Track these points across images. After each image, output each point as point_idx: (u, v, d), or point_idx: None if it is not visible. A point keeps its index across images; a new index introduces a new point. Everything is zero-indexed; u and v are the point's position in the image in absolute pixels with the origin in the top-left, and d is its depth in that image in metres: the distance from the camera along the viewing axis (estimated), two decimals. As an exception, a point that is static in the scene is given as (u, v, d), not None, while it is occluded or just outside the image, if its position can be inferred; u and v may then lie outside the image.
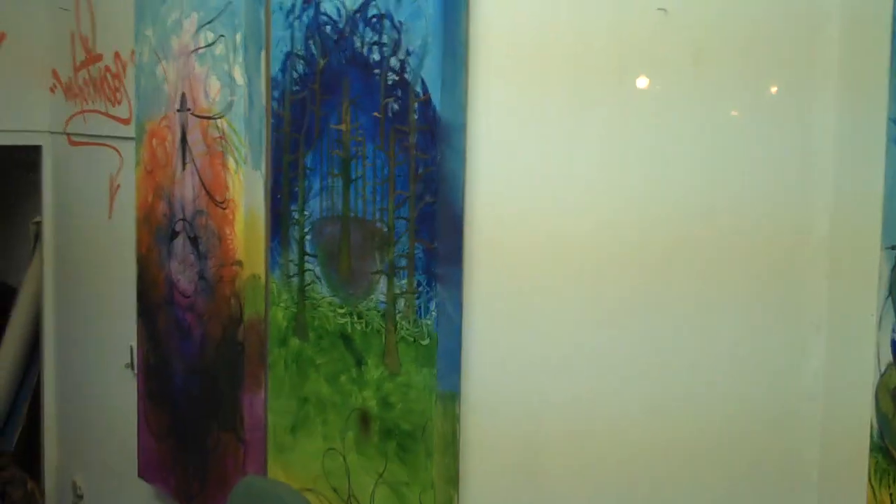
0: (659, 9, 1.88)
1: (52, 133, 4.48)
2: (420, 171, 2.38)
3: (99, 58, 4.01)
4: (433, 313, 2.38)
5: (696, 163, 1.92)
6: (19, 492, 4.66)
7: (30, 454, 4.90)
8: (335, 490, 2.70)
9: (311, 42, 2.70)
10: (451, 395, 2.40)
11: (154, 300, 3.51)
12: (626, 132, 2.03)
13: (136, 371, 3.69)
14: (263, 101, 2.95)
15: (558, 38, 2.14)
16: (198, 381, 3.28)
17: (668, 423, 1.99)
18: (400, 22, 2.41)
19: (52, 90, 4.45)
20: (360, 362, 2.61)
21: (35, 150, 4.56)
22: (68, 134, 4.33)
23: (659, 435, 2.01)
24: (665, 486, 2.02)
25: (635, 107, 2.01)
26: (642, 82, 2.00)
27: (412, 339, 2.44)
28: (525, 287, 2.25)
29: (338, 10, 2.59)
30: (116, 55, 3.86)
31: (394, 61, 2.43)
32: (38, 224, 4.67)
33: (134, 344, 3.70)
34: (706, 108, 1.90)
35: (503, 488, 2.34)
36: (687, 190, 1.93)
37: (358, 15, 2.53)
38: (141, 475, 3.64)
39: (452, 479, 2.41)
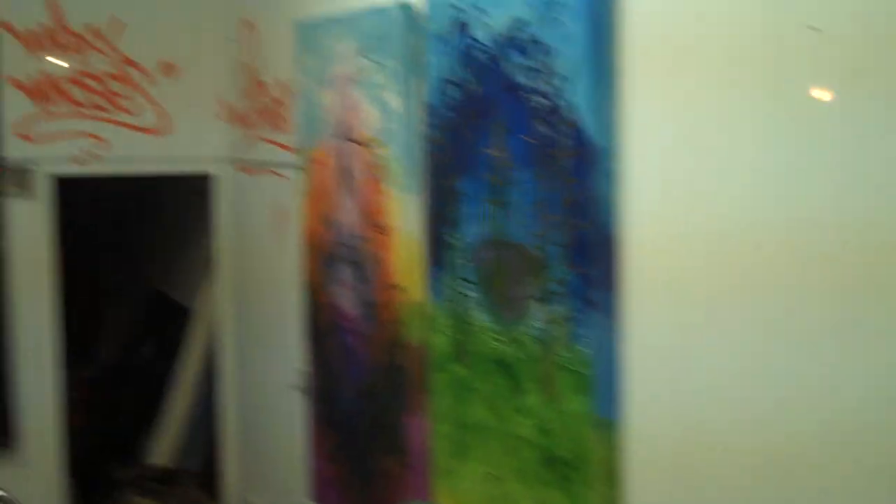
0: (810, 27, 1.81)
1: (223, 161, 4.60)
2: (572, 195, 2.35)
3: (265, 87, 4.11)
4: (589, 339, 2.35)
5: (859, 177, 1.83)
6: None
7: (210, 472, 5.04)
8: (497, 517, 2.69)
9: (464, 68, 2.70)
10: (610, 423, 2.36)
11: (320, 324, 3.57)
12: (783, 147, 1.96)
13: (305, 394, 3.76)
14: (420, 128, 2.97)
15: (710, 56, 2.08)
16: (363, 405, 3.32)
17: (844, 452, 1.91)
18: (550, 46, 2.39)
19: (222, 119, 4.58)
20: (518, 388, 2.59)
21: (207, 178, 4.70)
22: (237, 161, 4.45)
23: (835, 464, 1.92)
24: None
25: (791, 121, 1.94)
26: (798, 96, 1.92)
27: (569, 366, 2.41)
28: (684, 310, 2.19)
29: (489, 36, 2.59)
30: (281, 84, 3.95)
31: (544, 86, 2.41)
32: (211, 249, 4.80)
33: (303, 366, 3.77)
34: (865, 122, 1.81)
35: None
36: (854, 205, 1.84)
37: (509, 40, 2.52)
38: (313, 497, 3.70)
39: (613, 507, 2.37)
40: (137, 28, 4.49)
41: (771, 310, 2.01)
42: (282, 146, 3.98)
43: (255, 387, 4.48)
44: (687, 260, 2.18)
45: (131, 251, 6.71)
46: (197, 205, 5.08)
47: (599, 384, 2.35)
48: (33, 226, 4.41)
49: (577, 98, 2.31)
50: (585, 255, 2.34)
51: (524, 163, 2.49)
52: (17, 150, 4.34)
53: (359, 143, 3.22)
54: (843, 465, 1.90)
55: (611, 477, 2.37)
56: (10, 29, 4.30)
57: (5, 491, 3.81)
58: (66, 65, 4.40)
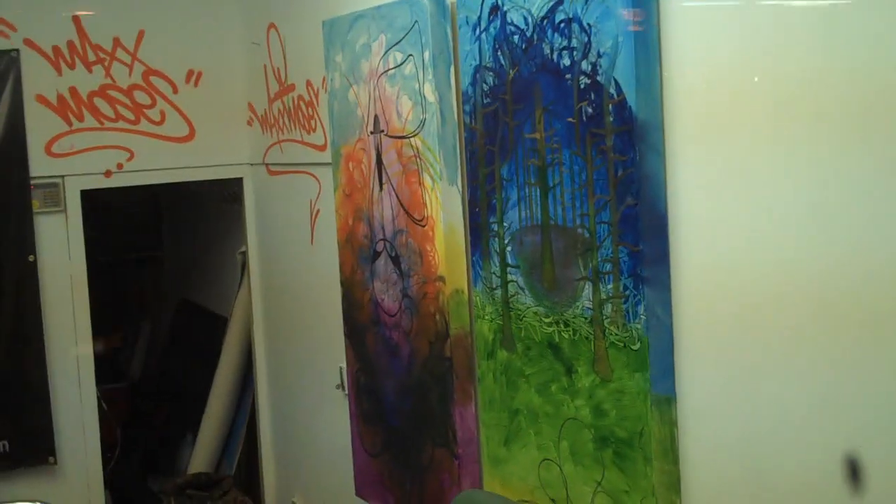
0: None
1: (252, 165, 4.61)
2: (619, 173, 2.34)
3: (292, 88, 4.11)
4: (642, 317, 2.34)
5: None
6: (242, 514, 4.80)
7: (249, 477, 5.04)
8: (553, 501, 2.68)
9: (499, 53, 2.70)
10: (667, 400, 2.35)
11: (360, 321, 3.56)
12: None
13: (346, 391, 3.75)
14: (455, 117, 2.96)
15: (756, 23, 2.07)
16: (408, 399, 3.31)
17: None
18: (589, 24, 2.38)
19: (249, 123, 4.59)
20: (570, 371, 2.58)
21: (237, 183, 4.70)
22: (267, 164, 4.45)
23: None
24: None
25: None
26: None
27: (622, 345, 2.40)
28: (739, 284, 2.18)
29: (525, 18, 2.58)
30: (308, 83, 3.95)
31: (585, 64, 2.40)
32: (244, 254, 4.81)
33: (343, 365, 3.77)
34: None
35: (727, 493, 2.27)
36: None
37: (545, 21, 2.51)
38: (359, 494, 3.70)
39: (674, 484, 2.36)
40: (160, 38, 4.51)
41: (825, 287, 1.99)
42: (312, 146, 3.98)
43: (297, 388, 4.48)
44: (740, 232, 2.17)
45: (159, 261, 6.73)
46: (227, 211, 5.10)
47: (654, 361, 2.34)
48: (64, 241, 4.42)
49: (621, 75, 2.30)
50: (636, 233, 2.32)
51: (568, 144, 2.48)
52: (45, 167, 4.35)
53: (393, 137, 3.22)
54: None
55: (669, 454, 2.36)
56: (35, 47, 4.31)
57: None
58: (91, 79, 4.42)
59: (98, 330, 4.64)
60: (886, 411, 1.90)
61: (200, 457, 5.21)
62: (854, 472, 1.97)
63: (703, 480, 2.33)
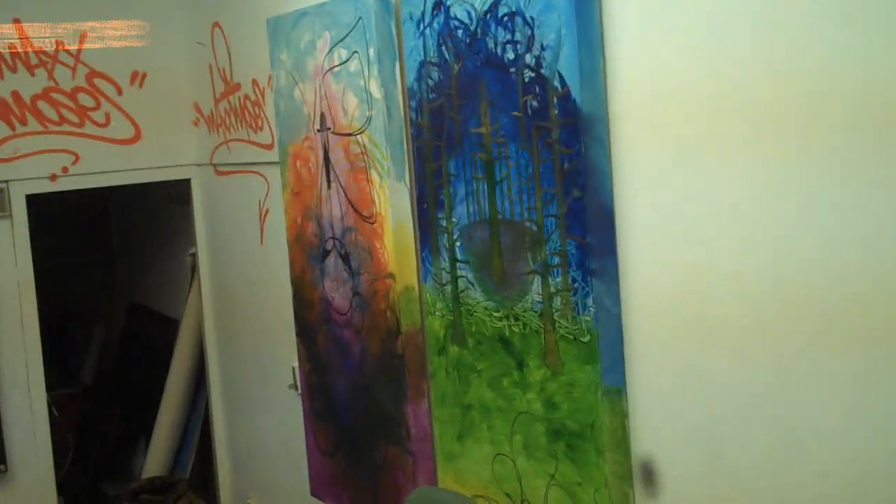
0: None
1: (200, 165, 4.57)
2: (565, 165, 2.35)
3: (237, 87, 4.08)
4: (591, 309, 2.34)
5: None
6: (197, 518, 4.77)
7: (204, 479, 5.01)
8: (508, 495, 2.68)
9: (443, 48, 2.69)
10: (617, 391, 2.36)
11: (311, 320, 3.55)
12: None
13: (300, 391, 3.74)
14: (401, 113, 2.95)
15: (700, 14, 2.08)
16: (361, 397, 3.30)
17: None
18: (532, 18, 2.38)
19: (195, 124, 4.55)
20: (521, 365, 2.58)
21: (185, 184, 4.66)
22: (214, 165, 4.42)
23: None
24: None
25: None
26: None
27: (572, 337, 2.41)
28: (685, 274, 2.19)
29: (468, 13, 2.58)
30: (254, 83, 3.92)
31: (529, 58, 2.40)
32: (194, 256, 4.77)
33: (296, 364, 3.75)
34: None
35: (680, 483, 2.28)
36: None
37: (489, 16, 2.51)
38: (314, 493, 3.68)
39: (626, 475, 2.37)
40: (103, 40, 4.45)
41: (775, 273, 2.01)
42: (260, 145, 3.96)
43: (250, 389, 4.45)
44: (684, 222, 2.18)
45: (109, 265, 6.67)
46: (176, 212, 5.05)
47: (604, 353, 2.35)
48: (10, 247, 4.36)
49: (565, 67, 2.31)
50: (583, 225, 2.33)
51: (514, 138, 2.48)
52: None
53: (340, 134, 3.20)
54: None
55: (621, 445, 2.37)
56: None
57: None
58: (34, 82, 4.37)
59: (46, 335, 4.58)
60: (831, 398, 1.92)
61: (155, 460, 5.16)
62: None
63: (656, 470, 2.34)
